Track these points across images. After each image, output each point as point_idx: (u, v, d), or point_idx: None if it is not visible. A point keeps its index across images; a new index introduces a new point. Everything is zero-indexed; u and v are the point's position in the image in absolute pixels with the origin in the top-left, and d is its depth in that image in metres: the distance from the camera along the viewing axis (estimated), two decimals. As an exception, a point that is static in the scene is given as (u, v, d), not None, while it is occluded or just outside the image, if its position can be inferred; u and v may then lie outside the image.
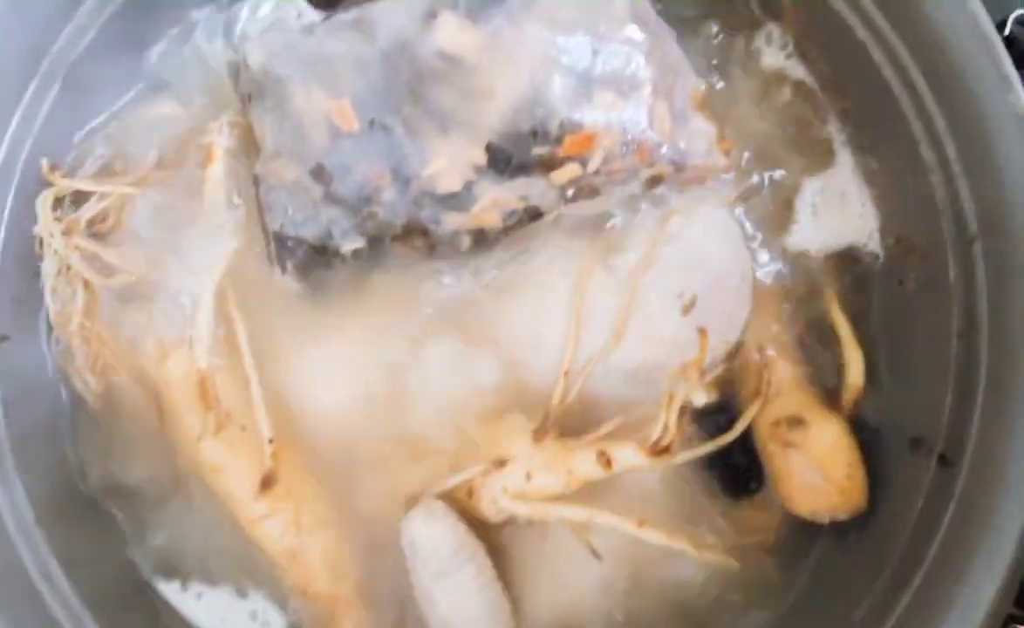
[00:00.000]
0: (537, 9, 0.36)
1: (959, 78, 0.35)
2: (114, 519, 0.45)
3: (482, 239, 0.45)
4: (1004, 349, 0.35)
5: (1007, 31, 0.47)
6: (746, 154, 0.43)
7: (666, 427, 0.36)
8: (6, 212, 0.44)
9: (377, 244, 0.45)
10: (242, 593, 0.44)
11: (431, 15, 0.36)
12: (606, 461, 0.38)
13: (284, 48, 0.39)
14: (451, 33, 0.36)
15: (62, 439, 0.45)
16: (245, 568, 0.44)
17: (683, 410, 0.39)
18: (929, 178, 0.38)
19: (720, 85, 0.44)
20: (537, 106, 0.38)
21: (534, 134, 0.38)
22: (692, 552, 0.40)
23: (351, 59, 0.37)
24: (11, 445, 0.42)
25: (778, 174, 0.44)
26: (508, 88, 0.37)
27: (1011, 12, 0.47)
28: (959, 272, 0.37)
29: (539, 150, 0.39)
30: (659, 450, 0.37)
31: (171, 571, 0.44)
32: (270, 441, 0.44)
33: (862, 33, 0.39)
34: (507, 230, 0.44)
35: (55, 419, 0.45)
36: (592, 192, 0.42)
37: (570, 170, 0.40)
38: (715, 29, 0.44)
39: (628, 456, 0.38)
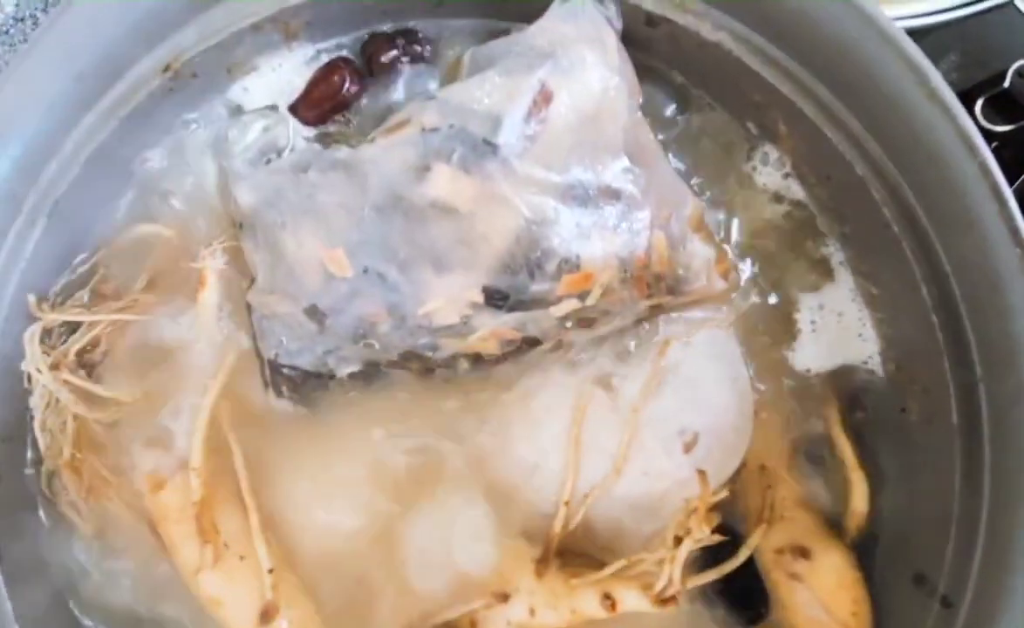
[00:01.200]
0: (531, 154, 0.36)
1: (966, 227, 0.34)
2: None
3: (480, 363, 0.44)
4: (1006, 495, 0.35)
5: (1007, 83, 0.47)
6: (744, 273, 0.43)
7: (671, 579, 0.36)
8: (-9, 349, 0.43)
9: (373, 366, 0.45)
10: None
11: (424, 168, 0.36)
12: (610, 604, 0.38)
13: (275, 194, 0.38)
14: (445, 185, 0.35)
15: (59, 583, 0.44)
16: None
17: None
18: (931, 317, 0.37)
19: (717, 207, 0.43)
20: (534, 248, 0.38)
21: (531, 274, 0.38)
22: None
23: (344, 210, 0.37)
24: (8, 592, 0.41)
25: (776, 293, 0.43)
26: (503, 233, 0.37)
27: (1012, 63, 0.47)
28: (962, 412, 0.37)
29: (537, 287, 0.38)
30: (664, 600, 0.36)
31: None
32: (270, 571, 0.43)
33: (861, 169, 0.38)
34: (505, 356, 0.43)
35: (52, 559, 0.44)
36: (590, 323, 0.41)
37: (568, 305, 0.39)
38: (712, 147, 0.44)
39: (633, 601, 0.38)
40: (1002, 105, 0.47)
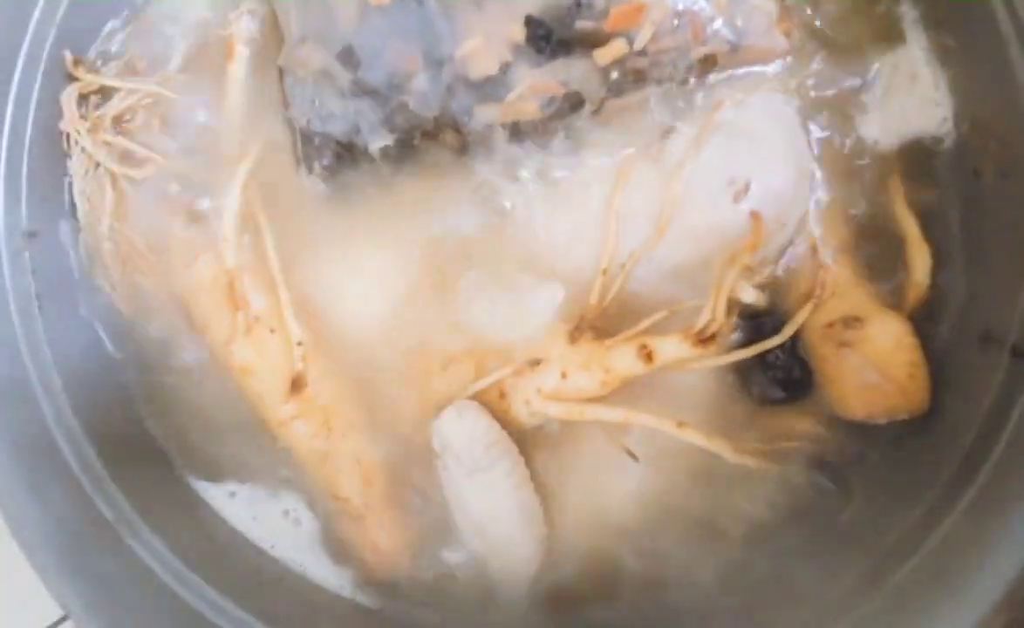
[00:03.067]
0: None
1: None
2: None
3: (517, 134, 0.42)
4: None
5: None
6: (806, 34, 0.40)
7: (714, 314, 0.34)
8: (32, 106, 0.43)
9: (406, 145, 0.43)
10: (274, 493, 0.44)
11: None
12: (647, 355, 0.36)
13: (309, -86, 0.36)
14: None
15: (96, 334, 0.45)
16: (276, 469, 0.44)
17: (729, 306, 0.36)
18: (1008, 52, 0.34)
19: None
20: (581, -27, 0.35)
21: (578, 5, 0.35)
22: (729, 455, 0.38)
23: (380, -81, 0.35)
24: (47, 338, 0.42)
25: (844, 56, 0.40)
26: (550, -48, 0.34)
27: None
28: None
29: (583, 24, 0.36)
30: (705, 339, 0.34)
31: (202, 467, 0.44)
32: (299, 344, 0.43)
33: None
34: (544, 122, 0.41)
35: (87, 314, 0.45)
36: (638, 77, 0.39)
37: (616, 47, 0.37)
38: None
39: (671, 348, 0.36)
40: None
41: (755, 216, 0.35)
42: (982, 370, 0.35)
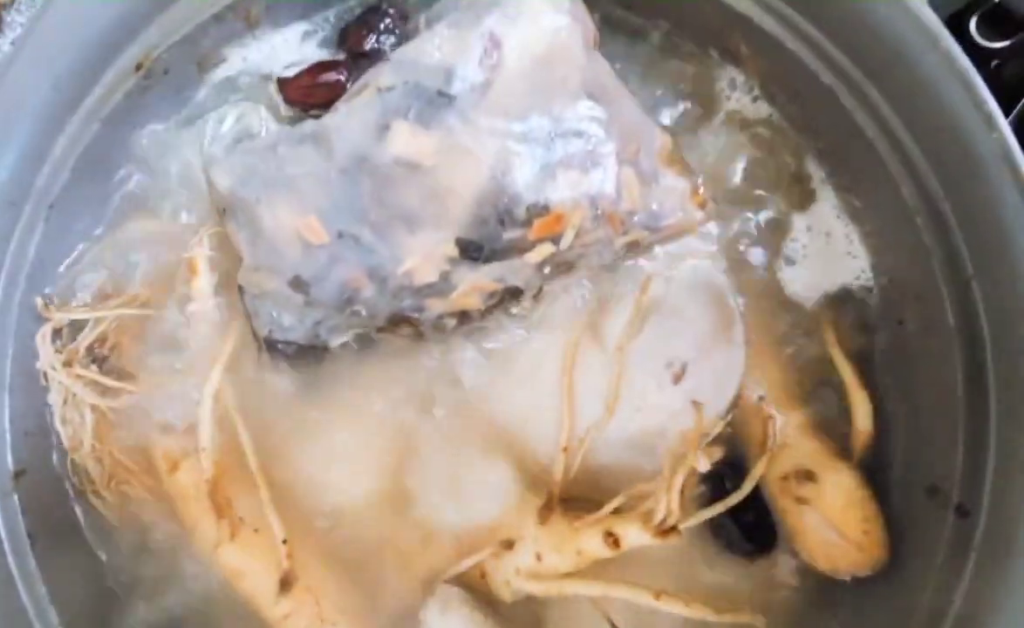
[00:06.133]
0: (487, 102, 0.36)
1: (938, 119, 0.33)
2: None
3: (466, 319, 0.45)
4: (1013, 391, 0.33)
5: None
6: (722, 201, 0.42)
7: (669, 509, 0.36)
8: (9, 353, 0.45)
9: (365, 338, 0.46)
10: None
11: (384, 126, 0.36)
12: (613, 541, 0.38)
13: (247, 172, 0.39)
14: (405, 141, 0.36)
15: (95, 563, 0.46)
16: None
17: (688, 476, 0.38)
18: (914, 219, 0.36)
19: (688, 133, 0.42)
20: (501, 196, 0.38)
21: (502, 222, 0.38)
22: (713, 618, 0.39)
23: (312, 178, 0.38)
24: (43, 577, 0.44)
25: (760, 216, 0.42)
26: (469, 184, 0.37)
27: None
28: (958, 314, 0.36)
29: (510, 235, 0.39)
30: (665, 530, 0.36)
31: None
32: (284, 542, 0.45)
33: (829, 79, 0.37)
34: (490, 309, 0.44)
35: (83, 546, 0.47)
36: (569, 266, 0.41)
37: (543, 250, 0.39)
38: (678, 79, 0.43)
39: (634, 536, 0.38)
40: (996, 20, 0.44)
41: (696, 406, 0.37)
42: (932, 524, 0.36)
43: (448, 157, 0.36)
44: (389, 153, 0.36)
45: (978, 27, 0.44)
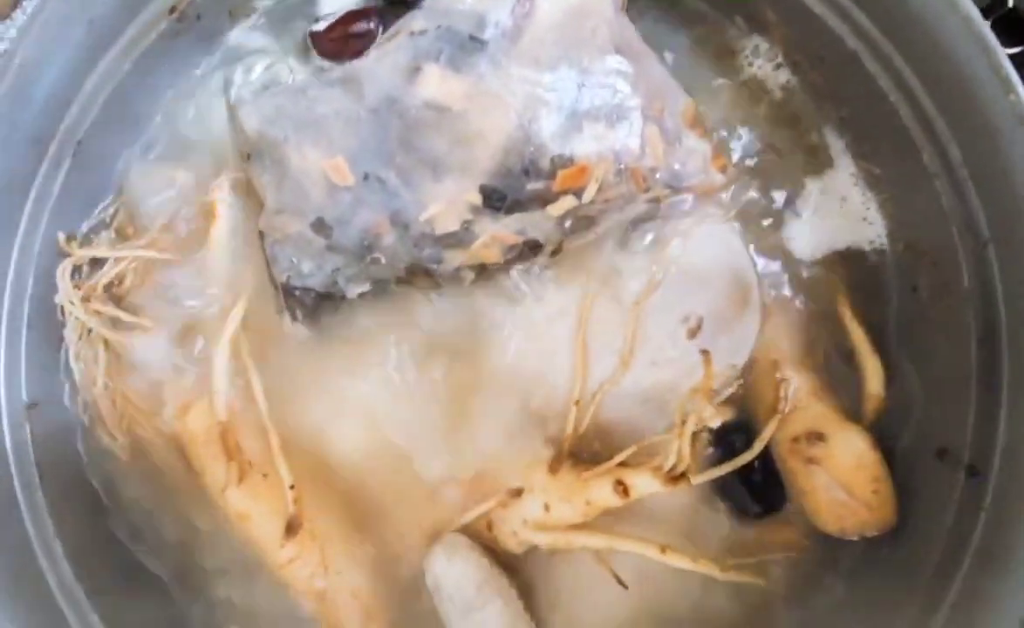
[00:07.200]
0: (518, 51, 0.36)
1: (958, 83, 0.34)
2: (156, 577, 0.46)
3: (484, 273, 0.45)
4: (1025, 351, 0.34)
5: (1010, 2, 0.45)
6: (743, 165, 0.43)
7: (680, 455, 0.36)
8: (29, 286, 0.46)
9: (382, 286, 0.46)
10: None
11: (415, 69, 0.37)
12: (623, 489, 0.38)
13: (277, 112, 0.39)
14: (436, 84, 0.36)
15: (100, 502, 0.46)
16: (279, 611, 0.46)
17: (698, 433, 0.38)
18: (934, 184, 0.36)
19: (710, 99, 0.43)
20: (527, 144, 0.38)
21: (526, 172, 0.39)
22: (718, 574, 0.39)
23: (342, 118, 0.38)
24: (49, 510, 0.44)
25: (776, 182, 0.43)
26: (496, 130, 0.37)
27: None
28: (973, 277, 0.36)
29: (533, 186, 0.39)
30: (675, 477, 0.36)
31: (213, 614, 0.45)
32: (291, 487, 0.45)
33: (853, 43, 0.37)
34: (509, 263, 0.44)
35: (91, 480, 0.47)
36: (590, 222, 0.42)
37: (566, 202, 0.40)
38: (704, 46, 0.44)
39: (644, 484, 0.38)
40: (1011, 25, 0.45)
41: (705, 355, 0.38)
42: (942, 486, 0.37)
43: (477, 102, 0.37)
44: (419, 95, 0.37)
45: (993, 31, 0.44)
